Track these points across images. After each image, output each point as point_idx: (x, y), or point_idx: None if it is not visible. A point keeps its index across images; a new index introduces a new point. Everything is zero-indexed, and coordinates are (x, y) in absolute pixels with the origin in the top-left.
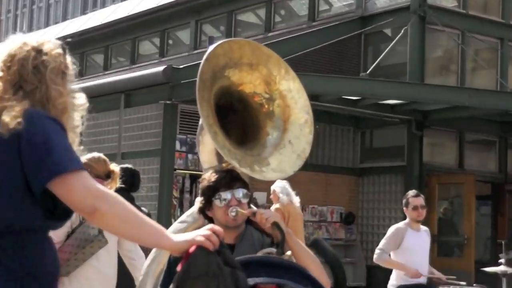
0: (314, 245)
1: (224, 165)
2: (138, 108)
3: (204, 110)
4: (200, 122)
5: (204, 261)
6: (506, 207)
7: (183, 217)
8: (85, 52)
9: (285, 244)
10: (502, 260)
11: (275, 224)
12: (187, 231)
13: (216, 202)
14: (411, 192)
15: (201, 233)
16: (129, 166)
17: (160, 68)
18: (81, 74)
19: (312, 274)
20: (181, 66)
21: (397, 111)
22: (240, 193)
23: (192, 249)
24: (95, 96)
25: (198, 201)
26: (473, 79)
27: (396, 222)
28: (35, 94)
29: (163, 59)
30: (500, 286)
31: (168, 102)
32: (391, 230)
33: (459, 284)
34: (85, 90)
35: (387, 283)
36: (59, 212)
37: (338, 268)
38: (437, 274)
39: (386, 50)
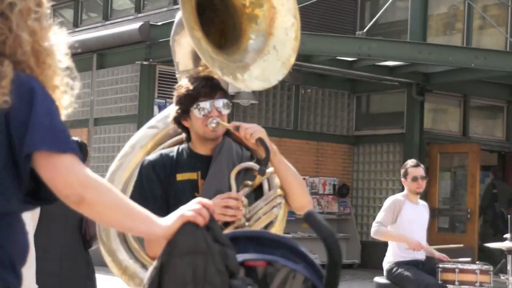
0: (306, 218)
1: (200, 68)
2: (112, 70)
3: (186, 11)
4: (177, 20)
5: (191, 238)
6: None
7: (153, 122)
8: (53, 7)
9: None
10: (507, 235)
11: (260, 140)
12: (157, 138)
13: (195, 112)
14: (410, 162)
15: (191, 208)
16: (75, 138)
17: (136, 25)
18: None
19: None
20: (160, 23)
21: (396, 74)
22: (221, 103)
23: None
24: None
25: (173, 109)
26: (480, 39)
27: (394, 194)
28: (6, 46)
29: (139, 15)
30: (505, 262)
31: (145, 62)
32: (388, 202)
33: (461, 262)
34: None
35: (382, 260)
36: (41, 197)
37: (333, 244)
38: (437, 255)
39: (385, 6)
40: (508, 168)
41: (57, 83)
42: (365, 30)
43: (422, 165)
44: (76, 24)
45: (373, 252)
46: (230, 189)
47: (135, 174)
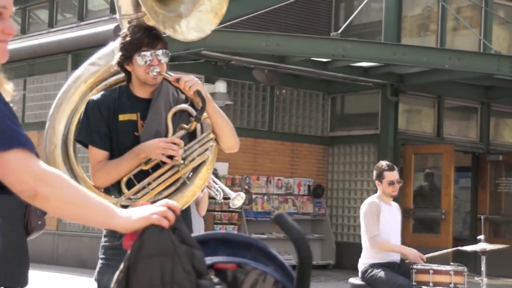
0: (276, 220)
1: (140, 14)
2: None
3: None
4: None
5: (157, 239)
6: (488, 180)
7: (94, 58)
8: (27, 7)
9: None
10: (481, 237)
11: (198, 92)
12: (98, 74)
13: (138, 59)
14: (385, 164)
15: (155, 210)
16: None
17: (111, 26)
18: (24, 31)
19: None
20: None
21: (371, 75)
22: (161, 53)
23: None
24: (39, 56)
25: (117, 54)
26: (454, 40)
27: (369, 195)
28: None
29: (114, 15)
30: (479, 265)
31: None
32: (365, 207)
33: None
34: (27, 49)
35: (357, 260)
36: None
37: (303, 246)
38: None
39: (360, 8)
40: (482, 169)
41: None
42: (339, 31)
43: (396, 167)
44: (51, 24)
45: (348, 253)
46: (167, 130)
47: (79, 108)
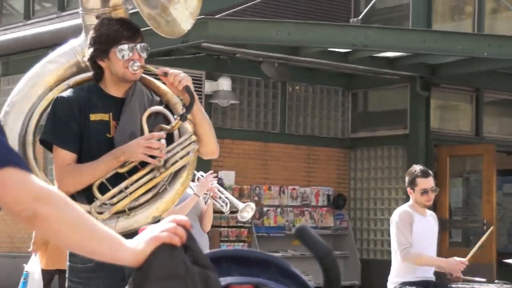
0: (298, 233)
1: (107, 9)
2: None
3: None
4: None
5: (167, 260)
6: None
7: (52, 56)
8: None
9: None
10: None
11: (187, 88)
12: (59, 73)
13: (117, 53)
14: (419, 169)
15: (165, 228)
16: None
17: None
18: None
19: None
20: None
21: (398, 66)
22: (140, 47)
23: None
24: (15, 52)
25: (89, 48)
26: (494, 24)
27: (398, 205)
28: None
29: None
30: None
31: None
32: (397, 216)
33: (475, 281)
34: (2, 45)
35: (386, 280)
36: None
37: (330, 263)
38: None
39: None
40: None
41: None
42: (360, 17)
43: (431, 173)
44: (27, 16)
45: (375, 272)
46: (142, 132)
47: (37, 108)
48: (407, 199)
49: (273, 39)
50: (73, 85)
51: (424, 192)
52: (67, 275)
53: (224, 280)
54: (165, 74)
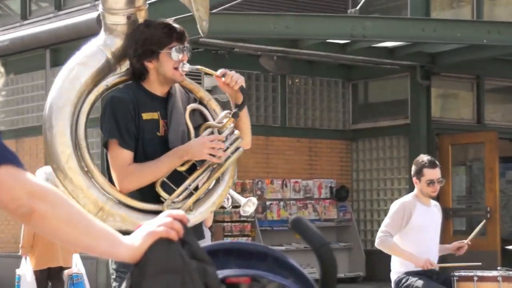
0: (294, 225)
1: (133, 10)
2: None
3: None
4: None
5: (164, 254)
6: None
7: (83, 58)
8: None
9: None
10: None
11: (242, 88)
12: (94, 75)
13: (167, 55)
14: (426, 159)
15: (161, 222)
16: None
17: (94, 15)
18: None
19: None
20: None
21: (397, 56)
22: (187, 48)
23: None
24: (13, 53)
25: (133, 48)
26: (493, 10)
27: (401, 195)
28: None
29: (97, 2)
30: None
31: None
32: (395, 206)
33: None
34: None
35: (390, 270)
36: None
37: (326, 254)
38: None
39: None
40: None
41: None
42: (358, 7)
43: (439, 164)
44: (24, 16)
45: (379, 263)
46: (188, 129)
47: (82, 111)
48: (410, 189)
49: (271, 32)
50: (111, 86)
51: (431, 182)
52: (113, 267)
53: (221, 273)
54: (224, 75)
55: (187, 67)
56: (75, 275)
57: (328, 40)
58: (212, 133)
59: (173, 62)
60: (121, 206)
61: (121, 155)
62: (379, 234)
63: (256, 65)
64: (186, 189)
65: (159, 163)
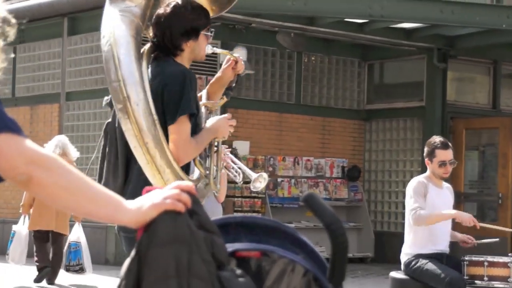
0: (306, 201)
1: None
2: (85, 36)
3: None
4: None
5: (172, 225)
6: None
7: (119, 28)
8: None
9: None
10: None
11: (239, 75)
12: (135, 45)
13: (204, 37)
14: (438, 141)
15: (167, 194)
16: None
17: None
18: None
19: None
20: None
21: (414, 38)
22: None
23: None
24: (30, 20)
25: (179, 25)
26: None
27: (413, 177)
28: None
29: None
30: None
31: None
32: (413, 183)
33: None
34: (16, 13)
35: (399, 252)
36: None
37: (337, 230)
38: (460, 236)
39: None
40: None
41: None
42: None
43: (451, 146)
44: None
45: (388, 244)
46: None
47: (145, 85)
48: (422, 171)
49: (289, 8)
50: (146, 56)
51: (442, 164)
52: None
53: (231, 246)
54: (236, 62)
55: (211, 48)
56: (73, 243)
57: (345, 19)
58: (209, 112)
59: (205, 43)
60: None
61: (187, 129)
62: (410, 213)
63: (273, 41)
64: (214, 166)
65: (203, 138)
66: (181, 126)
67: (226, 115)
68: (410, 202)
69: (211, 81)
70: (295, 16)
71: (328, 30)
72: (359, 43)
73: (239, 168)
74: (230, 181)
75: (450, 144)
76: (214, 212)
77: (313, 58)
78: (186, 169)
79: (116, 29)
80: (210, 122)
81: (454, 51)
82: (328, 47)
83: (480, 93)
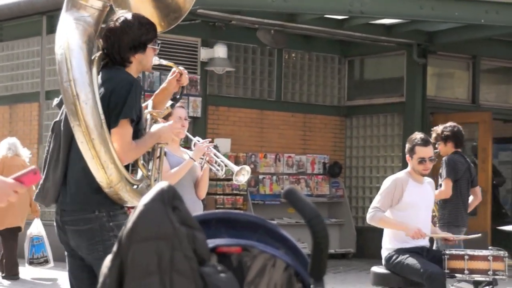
0: (287, 196)
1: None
2: None
3: None
4: None
5: (154, 220)
6: None
7: (72, 32)
8: None
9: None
10: None
11: (183, 86)
12: (87, 52)
13: (151, 49)
14: (419, 137)
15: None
16: None
17: None
18: None
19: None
20: None
21: (394, 33)
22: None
23: (142, 202)
24: (8, 18)
25: (131, 38)
26: None
27: (394, 173)
28: None
29: None
30: None
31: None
32: (387, 182)
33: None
34: None
35: (380, 247)
36: None
37: (318, 225)
38: (442, 234)
39: None
40: None
41: None
42: None
43: (431, 143)
44: None
45: (370, 239)
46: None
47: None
48: (403, 167)
49: (269, 5)
50: (96, 62)
51: (422, 160)
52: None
53: (212, 242)
54: (181, 74)
55: (156, 60)
56: (36, 237)
57: (325, 15)
58: (154, 120)
59: (152, 55)
60: (127, 184)
61: (129, 132)
62: (369, 210)
63: (253, 38)
64: (156, 168)
65: (146, 142)
66: (122, 129)
67: (171, 122)
68: (375, 199)
69: (156, 92)
70: (275, 13)
71: (308, 26)
72: (339, 39)
73: (222, 161)
74: (212, 178)
75: (430, 141)
76: (195, 208)
77: (293, 54)
78: (127, 169)
79: (70, 36)
80: (154, 128)
81: (433, 47)
82: (308, 43)
83: (460, 88)
